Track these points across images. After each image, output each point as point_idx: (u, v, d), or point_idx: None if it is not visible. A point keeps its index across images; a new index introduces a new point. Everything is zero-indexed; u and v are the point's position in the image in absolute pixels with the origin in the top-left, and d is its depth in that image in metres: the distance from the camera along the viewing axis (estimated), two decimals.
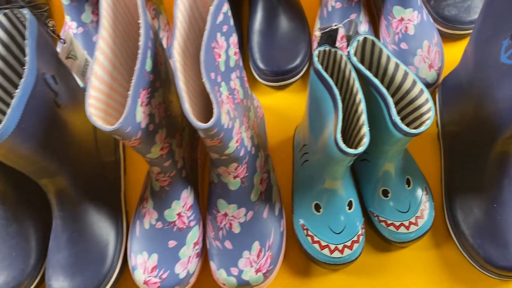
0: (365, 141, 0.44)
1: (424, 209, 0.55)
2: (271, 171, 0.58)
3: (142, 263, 0.54)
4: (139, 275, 0.53)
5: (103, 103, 0.44)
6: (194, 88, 0.47)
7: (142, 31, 0.44)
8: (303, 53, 0.66)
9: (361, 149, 0.43)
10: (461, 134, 0.56)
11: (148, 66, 0.44)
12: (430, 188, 0.57)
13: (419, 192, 0.56)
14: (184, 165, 0.55)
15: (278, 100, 0.67)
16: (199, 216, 0.57)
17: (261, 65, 0.65)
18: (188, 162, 0.57)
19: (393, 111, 0.44)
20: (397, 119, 0.44)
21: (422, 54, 0.62)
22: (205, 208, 0.59)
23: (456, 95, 0.58)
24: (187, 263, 0.53)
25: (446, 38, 0.68)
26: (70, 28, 0.67)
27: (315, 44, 0.67)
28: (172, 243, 0.54)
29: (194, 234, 0.54)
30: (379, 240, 0.57)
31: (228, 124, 0.45)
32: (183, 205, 0.54)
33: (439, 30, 0.66)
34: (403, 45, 0.62)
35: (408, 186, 0.55)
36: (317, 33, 0.47)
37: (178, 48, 0.43)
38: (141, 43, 0.43)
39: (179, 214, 0.54)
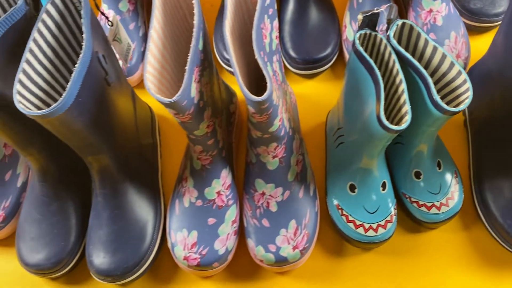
0: (407, 118, 0.45)
1: (454, 191, 0.57)
2: (305, 154, 0.60)
3: (182, 240, 0.55)
4: (179, 252, 0.55)
5: (156, 79, 0.46)
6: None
7: (195, 11, 0.46)
8: (334, 43, 0.68)
9: (404, 125, 0.45)
10: (490, 119, 0.58)
11: (200, 45, 0.47)
12: (459, 171, 0.59)
13: (449, 175, 0.58)
14: (223, 145, 0.57)
15: (309, 88, 0.69)
16: (236, 196, 0.58)
17: (292, 54, 0.67)
18: (226, 143, 0.59)
19: (433, 90, 0.46)
20: (437, 98, 0.46)
21: (450, 45, 0.64)
22: (240, 188, 0.61)
23: (484, 82, 0.60)
24: (225, 240, 0.55)
25: (471, 30, 0.70)
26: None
27: (344, 35, 0.69)
28: (211, 221, 0.55)
29: (232, 212, 0.56)
30: (409, 221, 0.59)
31: (276, 101, 0.47)
32: (222, 183, 0.56)
33: (464, 23, 0.68)
34: (432, 36, 0.64)
35: (439, 169, 0.57)
36: (359, 17, 0.49)
37: (228, 27, 0.45)
38: (195, 22, 0.45)
39: (218, 193, 0.56)
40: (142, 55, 0.70)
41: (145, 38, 0.72)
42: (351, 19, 0.68)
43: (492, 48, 0.59)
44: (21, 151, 0.54)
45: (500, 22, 0.69)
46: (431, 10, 0.64)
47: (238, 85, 0.43)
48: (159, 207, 0.60)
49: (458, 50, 0.65)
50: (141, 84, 0.72)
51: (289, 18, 0.69)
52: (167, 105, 0.43)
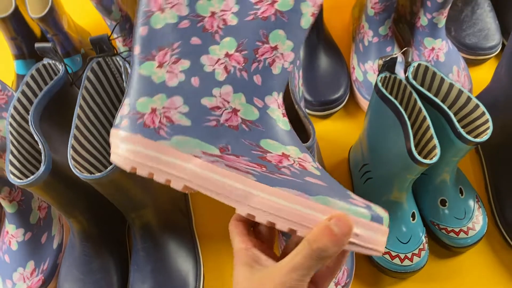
0: (437, 152, 0.49)
1: (478, 215, 0.60)
2: None
3: None
4: None
5: None
6: None
7: None
8: (345, 84, 0.73)
9: (434, 159, 0.49)
10: (504, 144, 0.63)
11: None
12: (479, 196, 0.62)
13: (471, 200, 0.61)
14: None
15: (325, 127, 0.73)
16: None
17: (308, 97, 0.71)
18: None
19: (456, 124, 0.50)
20: (461, 130, 0.50)
21: (453, 78, 0.69)
22: None
23: (492, 110, 0.65)
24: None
25: (468, 63, 0.76)
26: None
27: (354, 76, 0.74)
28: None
29: None
30: (438, 248, 0.62)
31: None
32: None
33: (462, 57, 0.74)
34: None
35: (462, 195, 0.61)
36: (379, 62, 0.53)
37: None
38: None
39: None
40: None
41: None
42: (359, 61, 0.73)
43: (496, 78, 0.64)
44: (65, 214, 0.56)
45: (494, 54, 0.75)
46: (433, 48, 0.69)
47: None
48: (197, 255, 0.61)
49: (461, 82, 0.70)
50: None
51: (302, 65, 0.73)
52: None
